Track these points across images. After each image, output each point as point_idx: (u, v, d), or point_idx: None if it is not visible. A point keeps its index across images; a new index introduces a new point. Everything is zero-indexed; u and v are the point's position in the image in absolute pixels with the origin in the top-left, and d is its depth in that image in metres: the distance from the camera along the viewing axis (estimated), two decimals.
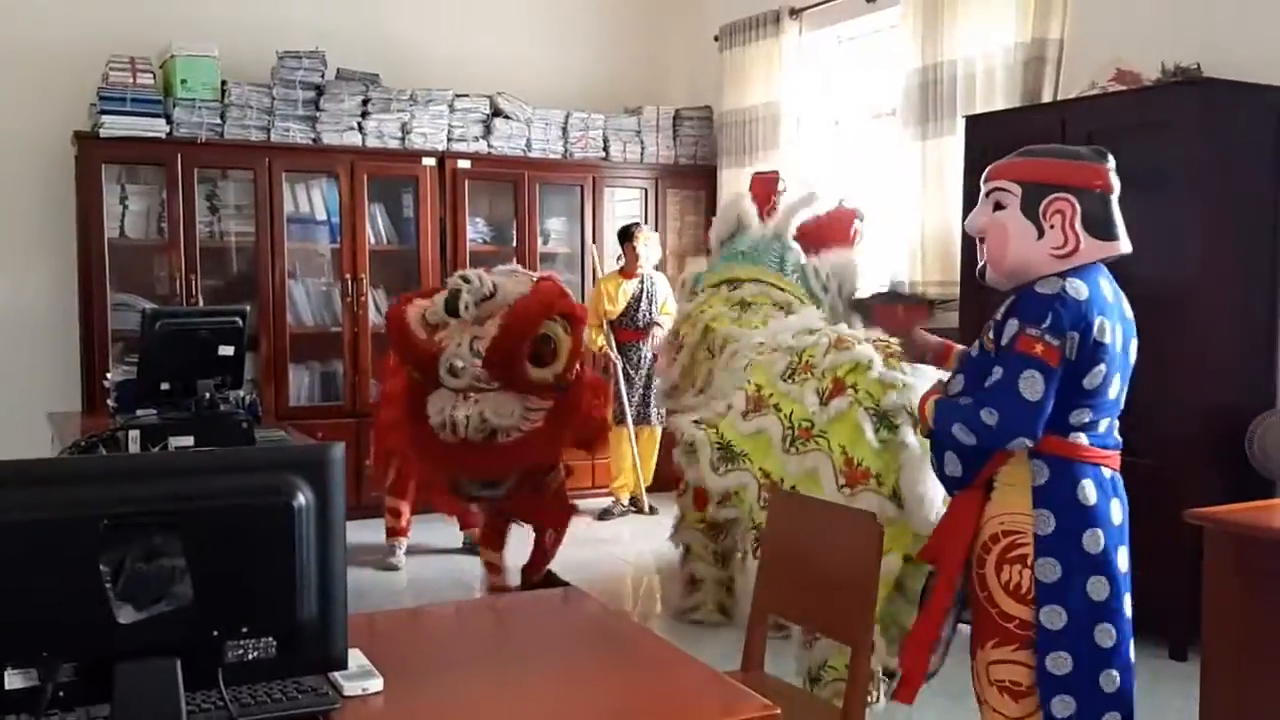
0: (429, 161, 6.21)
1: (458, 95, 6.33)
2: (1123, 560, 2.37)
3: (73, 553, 1.36)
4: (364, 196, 6.07)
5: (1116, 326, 2.31)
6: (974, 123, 4.73)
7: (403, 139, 6.18)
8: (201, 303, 5.63)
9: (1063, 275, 2.28)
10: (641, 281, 6.22)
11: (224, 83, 5.72)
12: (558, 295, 4.01)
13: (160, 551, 1.40)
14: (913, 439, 3.26)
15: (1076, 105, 4.34)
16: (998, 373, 2.27)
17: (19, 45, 5.60)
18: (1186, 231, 3.94)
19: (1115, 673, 2.33)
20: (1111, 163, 2.40)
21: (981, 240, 2.42)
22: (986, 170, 2.48)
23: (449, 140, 6.30)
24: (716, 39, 6.79)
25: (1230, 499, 3.15)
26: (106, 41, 5.58)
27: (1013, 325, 2.27)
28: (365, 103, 6.07)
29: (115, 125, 5.43)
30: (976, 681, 2.39)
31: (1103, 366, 2.28)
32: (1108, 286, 2.36)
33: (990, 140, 4.57)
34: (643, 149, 6.85)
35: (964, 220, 2.56)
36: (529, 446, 3.95)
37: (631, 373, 6.25)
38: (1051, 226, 2.30)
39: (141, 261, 5.80)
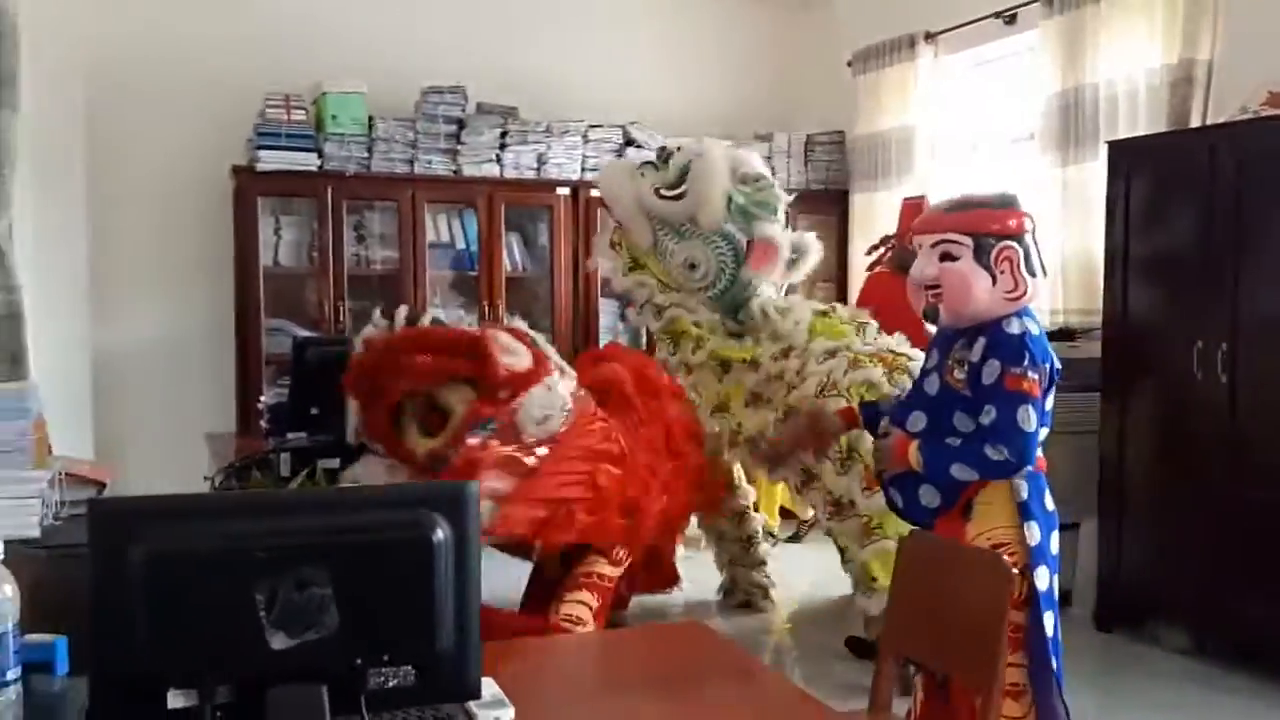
0: (563, 191, 6.35)
1: (592, 126, 6.45)
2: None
3: (233, 581, 1.45)
4: (500, 226, 6.24)
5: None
6: (1118, 148, 4.59)
7: (538, 169, 6.33)
8: (350, 326, 5.86)
9: (1018, 316, 2.59)
10: None
11: (371, 118, 5.97)
12: (466, 350, 3.07)
13: (310, 582, 1.48)
14: None
15: (1226, 130, 4.18)
16: (992, 412, 2.53)
17: (182, 85, 5.94)
18: None
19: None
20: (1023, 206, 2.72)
21: (930, 288, 2.66)
22: (919, 222, 2.78)
23: (583, 170, 6.43)
24: (850, 64, 6.77)
25: None
26: (262, 80, 5.88)
27: (994, 366, 2.54)
28: (503, 135, 6.24)
29: (270, 159, 5.72)
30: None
31: (1051, 391, 2.60)
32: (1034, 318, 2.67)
33: (1135, 166, 4.47)
34: (774, 174, 6.84)
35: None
36: None
37: None
38: (1002, 273, 2.58)
39: (293, 288, 6.09)
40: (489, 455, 2.87)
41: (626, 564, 3.50)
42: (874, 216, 6.60)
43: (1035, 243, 2.66)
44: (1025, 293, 2.60)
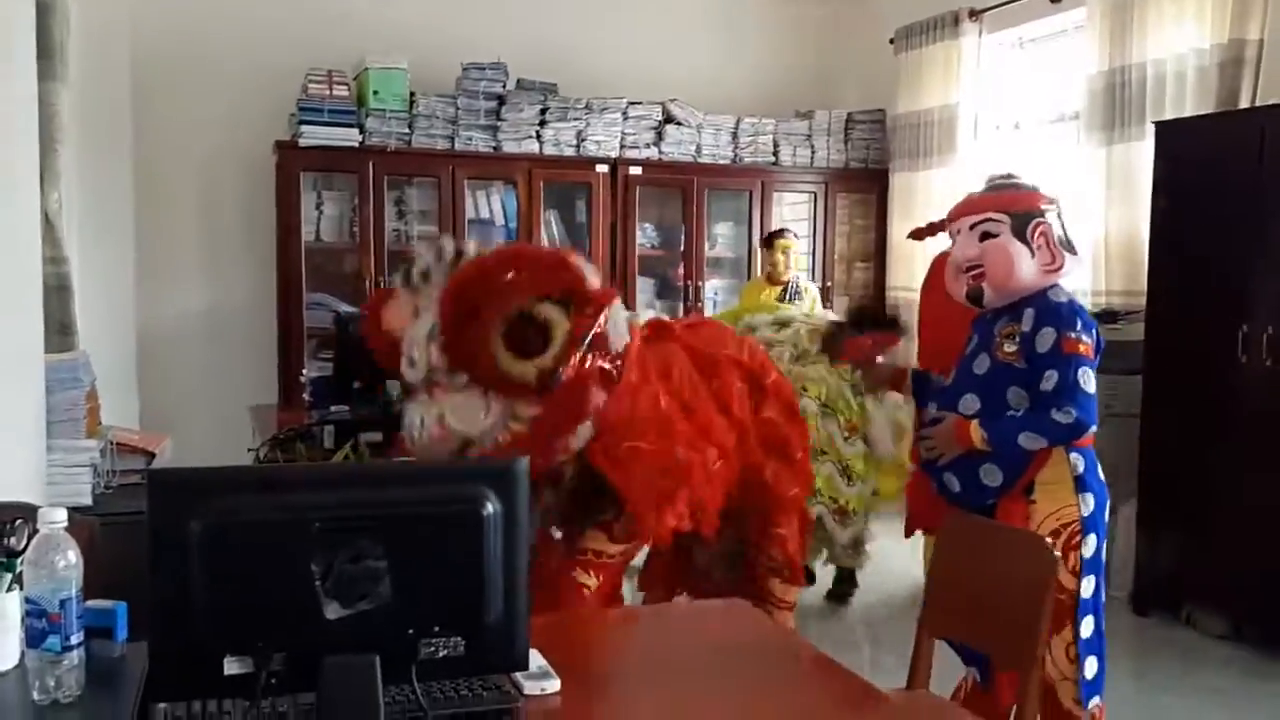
0: (602, 168, 6.35)
1: (631, 103, 6.45)
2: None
3: (289, 552, 1.49)
4: (540, 202, 6.26)
5: None
6: (1165, 129, 4.54)
7: (578, 146, 6.34)
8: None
9: (1059, 287, 2.70)
10: (786, 288, 5.93)
11: (412, 94, 5.99)
12: (554, 266, 2.82)
13: (364, 554, 1.51)
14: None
15: (1276, 112, 4.12)
16: (1053, 377, 2.59)
17: (227, 60, 5.99)
18: None
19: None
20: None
21: (970, 269, 2.75)
22: (955, 208, 2.88)
23: (621, 147, 6.43)
24: (892, 41, 6.71)
25: None
26: (305, 56, 5.92)
27: (1049, 333, 2.61)
28: (543, 112, 6.25)
29: (313, 135, 5.76)
30: (1054, 666, 2.65)
31: (1098, 360, 2.66)
32: None
33: (1183, 147, 4.42)
34: (813, 153, 6.83)
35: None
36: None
37: None
38: (1039, 247, 2.68)
39: (335, 263, 6.14)
40: (593, 369, 2.72)
41: (635, 544, 3.07)
42: (914, 196, 6.57)
43: (1062, 221, 2.77)
44: (1062, 265, 2.70)
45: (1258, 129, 4.11)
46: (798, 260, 6.04)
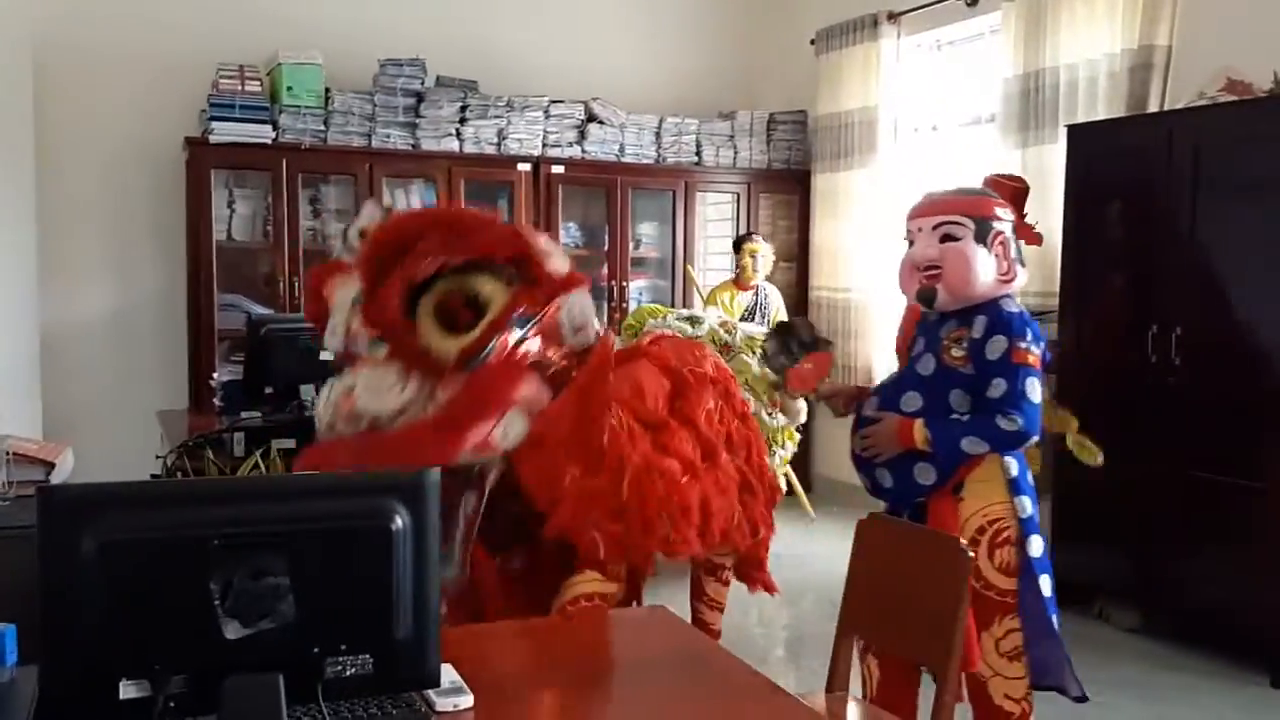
0: (524, 167, 6.29)
1: (553, 101, 6.40)
2: None
3: (186, 570, 1.43)
4: (461, 201, 6.17)
5: None
6: (1077, 132, 4.62)
7: (499, 145, 6.27)
8: (304, 302, 5.79)
9: (1010, 297, 2.74)
10: (756, 293, 6.08)
11: (328, 90, 5.88)
12: (502, 235, 2.44)
13: (266, 570, 1.46)
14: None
15: (1184, 116, 4.22)
16: (1001, 385, 2.63)
17: (133, 54, 5.82)
18: None
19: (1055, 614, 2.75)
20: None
21: (927, 269, 2.74)
22: (916, 207, 2.85)
23: (544, 146, 6.38)
24: (813, 43, 6.75)
25: None
26: (216, 50, 5.77)
27: (1000, 341, 2.65)
28: (463, 109, 6.17)
29: (224, 131, 5.61)
30: (985, 661, 2.69)
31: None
32: None
33: (1094, 150, 4.50)
34: (735, 153, 6.85)
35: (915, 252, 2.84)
36: (409, 443, 2.28)
37: None
38: (997, 255, 2.71)
39: (247, 263, 6.00)
40: (530, 357, 2.34)
41: (623, 581, 2.71)
42: (836, 196, 6.62)
43: (1016, 233, 2.80)
44: (1015, 277, 2.74)
45: (1166, 132, 4.20)
46: (767, 263, 6.10)
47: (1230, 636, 4.01)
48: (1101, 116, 4.75)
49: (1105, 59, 4.82)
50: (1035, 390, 2.64)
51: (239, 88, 5.70)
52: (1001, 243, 2.71)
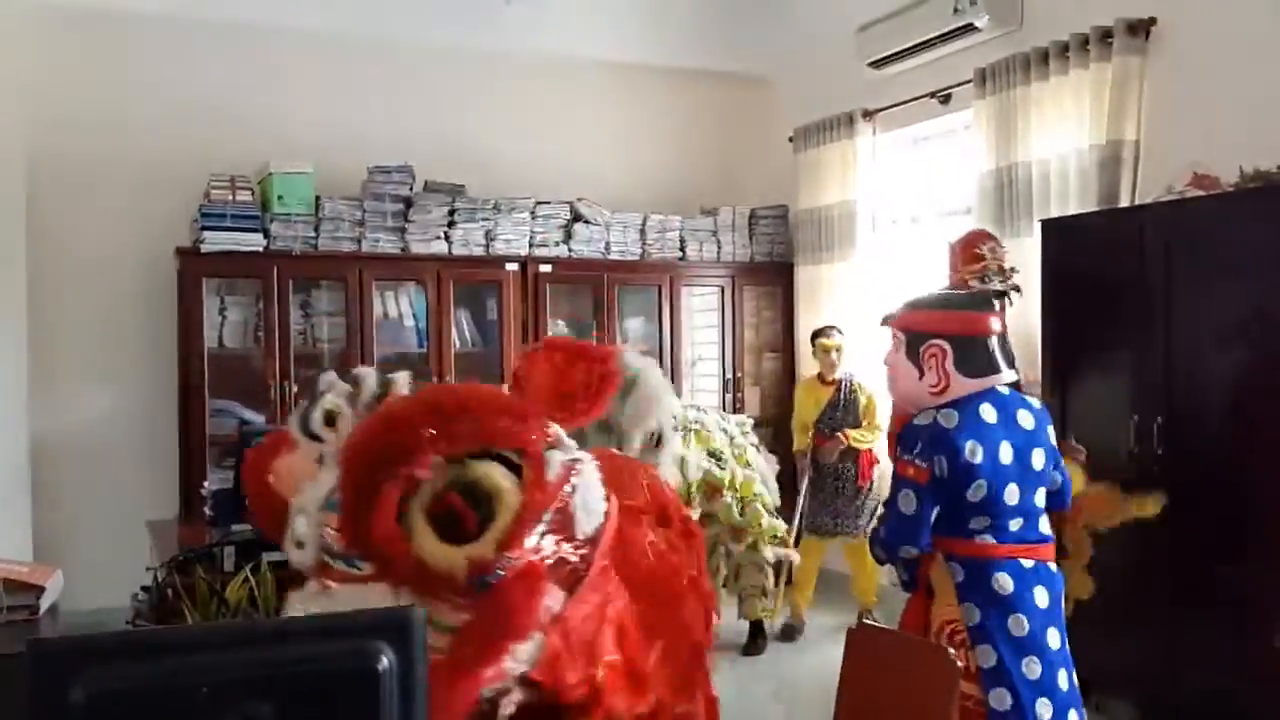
0: (512, 267, 6.39)
1: (539, 202, 6.52)
2: (1053, 640, 2.80)
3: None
4: (449, 301, 6.26)
5: (1001, 444, 2.76)
6: (1050, 225, 4.73)
7: (487, 246, 6.37)
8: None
9: (938, 408, 2.79)
10: (839, 388, 5.95)
11: (318, 197, 5.98)
12: (501, 411, 2.01)
13: (254, 717, 1.47)
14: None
15: (1153, 210, 4.32)
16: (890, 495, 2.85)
17: (126, 165, 5.92)
18: (1273, 337, 3.87)
19: None
20: (994, 309, 3.07)
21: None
22: (886, 316, 3.09)
23: (531, 245, 6.48)
24: (791, 140, 6.91)
25: None
26: (208, 160, 5.88)
27: (898, 451, 2.84)
28: (451, 212, 6.28)
29: (216, 240, 5.70)
30: None
31: (982, 481, 2.73)
32: (992, 411, 2.80)
33: (1067, 243, 4.59)
34: (719, 248, 6.96)
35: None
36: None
37: (827, 481, 5.89)
38: (929, 368, 2.82)
39: (239, 369, 6.03)
40: (546, 562, 1.95)
41: None
42: (818, 288, 6.72)
43: (989, 343, 2.89)
44: (948, 388, 2.82)
45: (1137, 227, 4.30)
46: (842, 357, 5.95)
47: None
48: (1074, 209, 4.86)
49: (1075, 154, 4.95)
50: (906, 502, 2.77)
51: (230, 197, 5.79)
52: (933, 355, 2.82)
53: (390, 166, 6.15)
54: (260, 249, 5.82)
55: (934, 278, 6.06)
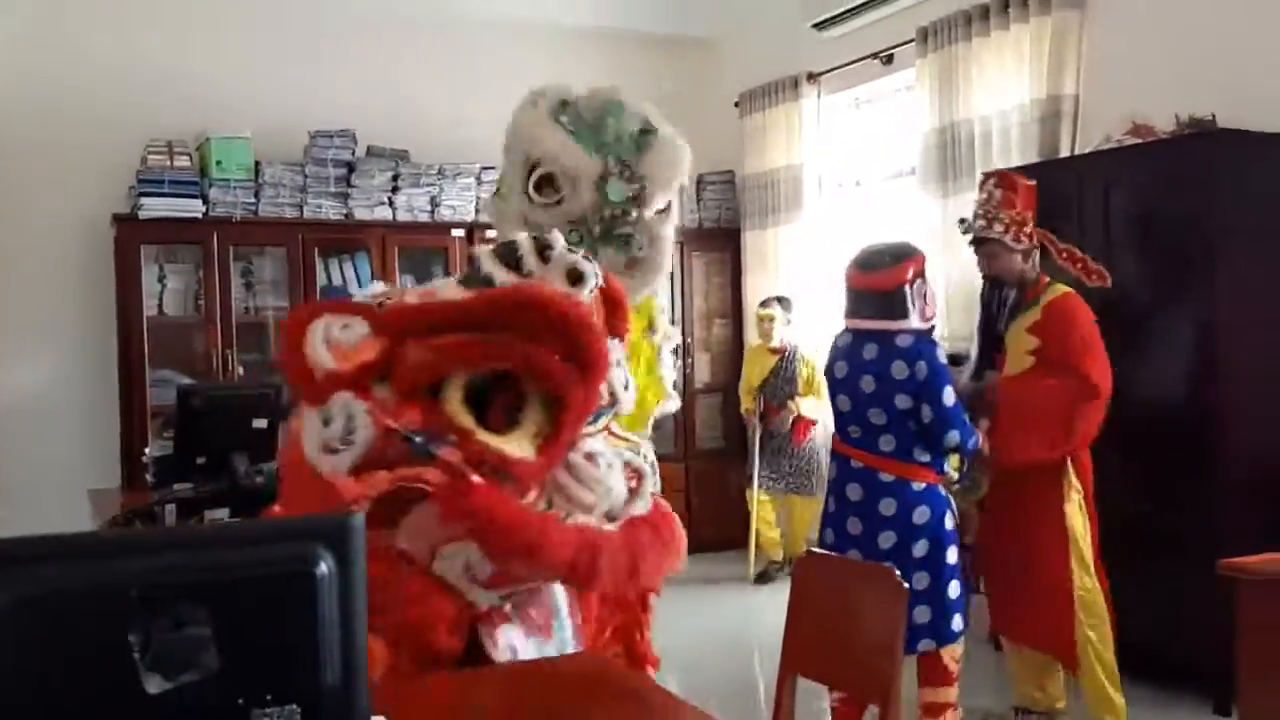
0: (458, 233, 6.32)
1: (485, 168, 6.44)
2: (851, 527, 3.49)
3: (103, 625, 1.40)
4: (395, 268, 6.19)
5: (840, 364, 3.59)
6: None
7: (432, 212, 6.31)
8: (240, 375, 5.74)
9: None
10: (783, 358, 6.12)
11: (258, 163, 5.88)
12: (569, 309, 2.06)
13: (187, 621, 1.44)
14: None
15: (1092, 160, 4.37)
16: None
17: (60, 130, 5.78)
18: (1208, 280, 3.94)
19: None
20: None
21: None
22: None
23: (476, 211, 6.41)
24: (736, 104, 6.91)
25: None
26: (145, 126, 5.76)
27: None
28: (395, 178, 6.21)
29: (153, 207, 5.59)
30: None
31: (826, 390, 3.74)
32: (845, 341, 3.65)
33: None
34: None
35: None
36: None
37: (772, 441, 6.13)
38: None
39: (180, 338, 5.93)
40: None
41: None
42: (766, 253, 6.73)
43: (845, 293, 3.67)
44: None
45: (1075, 176, 4.35)
46: (786, 325, 6.08)
47: (1169, 667, 4.06)
48: (1016, 164, 4.89)
49: (1016, 109, 4.99)
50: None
51: (168, 163, 5.69)
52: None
53: (331, 131, 6.07)
54: (199, 215, 5.72)
55: (880, 237, 6.12)
